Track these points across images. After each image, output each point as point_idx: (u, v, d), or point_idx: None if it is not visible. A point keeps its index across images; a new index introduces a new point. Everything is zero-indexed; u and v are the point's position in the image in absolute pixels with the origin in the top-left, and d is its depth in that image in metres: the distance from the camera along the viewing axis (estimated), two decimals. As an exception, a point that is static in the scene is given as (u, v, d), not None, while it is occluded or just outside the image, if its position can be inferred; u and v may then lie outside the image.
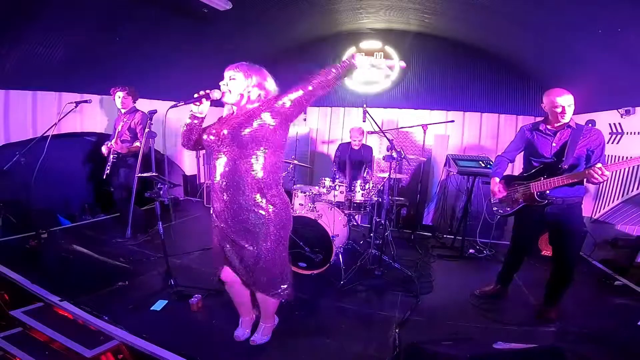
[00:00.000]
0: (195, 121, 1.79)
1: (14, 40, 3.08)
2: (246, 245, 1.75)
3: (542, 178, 2.31)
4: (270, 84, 1.83)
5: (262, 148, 1.69)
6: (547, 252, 3.54)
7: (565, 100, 2.23)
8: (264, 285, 1.83)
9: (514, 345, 1.88)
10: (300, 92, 1.68)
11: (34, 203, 3.29)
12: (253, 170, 1.69)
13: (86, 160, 4.50)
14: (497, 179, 2.60)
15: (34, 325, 2.08)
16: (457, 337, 2.24)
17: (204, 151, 5.93)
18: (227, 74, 1.76)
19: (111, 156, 3.47)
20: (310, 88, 1.68)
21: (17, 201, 3.47)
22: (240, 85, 1.75)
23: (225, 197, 1.73)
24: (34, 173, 2.89)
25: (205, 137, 1.79)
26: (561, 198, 2.31)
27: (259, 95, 1.78)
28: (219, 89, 1.74)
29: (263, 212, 1.72)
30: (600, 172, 2.01)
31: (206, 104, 1.74)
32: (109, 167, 3.46)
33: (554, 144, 2.33)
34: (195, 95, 1.69)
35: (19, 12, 2.89)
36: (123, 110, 3.58)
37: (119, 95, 3.53)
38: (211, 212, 1.86)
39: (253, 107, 1.76)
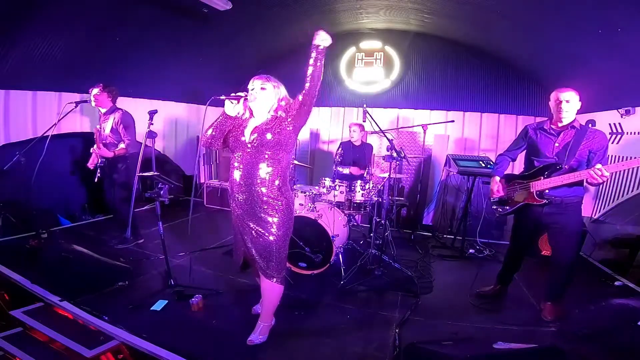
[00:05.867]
0: (228, 121, 1.95)
1: (14, 40, 3.08)
2: (262, 232, 1.95)
3: (542, 177, 2.31)
4: (285, 93, 2.02)
5: (282, 149, 1.91)
6: (547, 252, 3.54)
7: (565, 96, 2.24)
8: (273, 269, 1.99)
9: (514, 345, 1.88)
10: (304, 92, 1.86)
11: (34, 203, 3.29)
12: (272, 169, 1.91)
13: (86, 161, 4.50)
14: (498, 178, 2.61)
15: (34, 325, 2.08)
16: (457, 337, 2.24)
17: (204, 151, 5.97)
18: (257, 83, 1.94)
19: (98, 160, 3.30)
20: (307, 85, 1.84)
21: (17, 201, 3.46)
22: (270, 96, 1.94)
23: (245, 191, 1.93)
24: (34, 173, 2.89)
25: (232, 139, 1.97)
26: (560, 198, 2.31)
27: (281, 104, 1.98)
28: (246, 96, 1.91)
29: (279, 204, 1.94)
30: (599, 173, 2.01)
31: (239, 106, 1.92)
32: (99, 172, 3.32)
33: (556, 144, 2.33)
34: (234, 94, 1.89)
35: (19, 12, 2.89)
36: (103, 110, 3.35)
37: (94, 92, 3.24)
38: (230, 202, 2.04)
39: (276, 114, 1.95)
